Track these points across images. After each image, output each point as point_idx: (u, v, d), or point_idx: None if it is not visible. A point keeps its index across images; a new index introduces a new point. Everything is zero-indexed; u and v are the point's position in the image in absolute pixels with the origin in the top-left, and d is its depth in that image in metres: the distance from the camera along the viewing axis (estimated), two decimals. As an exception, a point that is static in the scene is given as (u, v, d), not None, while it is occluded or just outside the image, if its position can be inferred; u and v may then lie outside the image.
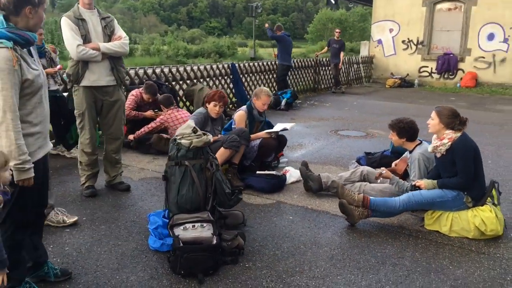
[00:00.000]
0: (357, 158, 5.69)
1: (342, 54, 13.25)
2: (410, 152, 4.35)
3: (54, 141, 5.79)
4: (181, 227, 3.25)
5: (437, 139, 3.83)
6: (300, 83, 12.87)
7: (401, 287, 2.99)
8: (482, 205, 3.78)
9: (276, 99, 10.02)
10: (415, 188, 3.94)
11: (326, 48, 13.97)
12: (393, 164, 4.64)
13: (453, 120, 3.72)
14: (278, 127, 5.30)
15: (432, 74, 15.96)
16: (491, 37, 14.91)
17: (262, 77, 11.03)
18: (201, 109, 4.90)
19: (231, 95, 9.89)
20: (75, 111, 4.33)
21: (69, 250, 3.37)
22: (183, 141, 3.42)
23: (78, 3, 4.20)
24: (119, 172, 4.69)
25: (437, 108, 3.85)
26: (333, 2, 18.05)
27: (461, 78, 15.35)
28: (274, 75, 11.33)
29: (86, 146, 4.36)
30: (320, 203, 4.47)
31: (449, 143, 3.69)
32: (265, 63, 11.19)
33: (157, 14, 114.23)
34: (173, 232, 3.22)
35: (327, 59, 13.91)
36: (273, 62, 11.35)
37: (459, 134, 3.71)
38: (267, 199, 4.57)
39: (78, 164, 4.51)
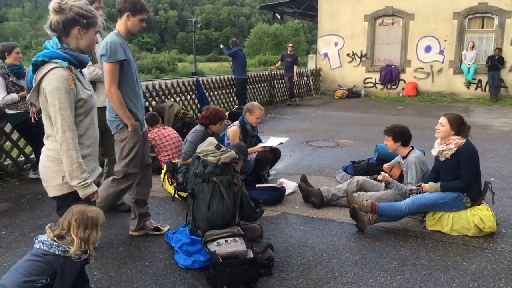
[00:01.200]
0: (343, 167, 5.94)
1: (295, 67, 13.69)
2: (404, 157, 4.66)
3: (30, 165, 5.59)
4: (215, 243, 3.29)
5: (441, 144, 4.13)
6: (257, 96, 13.11)
7: (429, 285, 3.21)
8: (479, 205, 4.13)
9: (240, 113, 10.15)
10: (419, 192, 4.22)
11: (279, 62, 14.36)
12: (384, 167, 4.89)
13: (462, 127, 4.04)
14: (272, 141, 5.45)
15: (376, 85, 16.84)
16: (428, 49, 16.01)
17: (224, 91, 11.16)
18: (198, 127, 4.93)
19: (196, 111, 9.92)
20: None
21: (98, 274, 3.29)
22: (209, 158, 3.47)
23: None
24: (120, 193, 4.59)
25: (447, 116, 4.14)
26: (279, 17, 18.59)
27: (403, 88, 16.32)
28: (235, 89, 11.48)
29: (90, 168, 4.25)
30: (323, 212, 4.65)
31: (455, 148, 4.00)
32: (226, 78, 11.31)
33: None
34: (208, 248, 3.25)
35: (281, 73, 14.29)
36: (233, 77, 11.51)
37: (464, 140, 4.03)
38: (272, 211, 4.67)
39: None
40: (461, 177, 4.05)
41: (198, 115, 9.86)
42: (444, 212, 4.14)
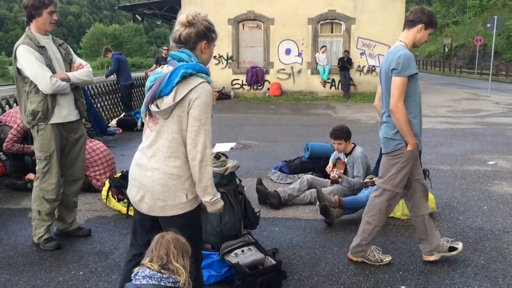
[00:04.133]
0: (276, 167, 6.18)
1: (171, 71, 13.47)
2: (348, 154, 5.09)
3: None
4: (232, 254, 3.25)
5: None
6: (138, 101, 12.61)
7: (429, 265, 3.61)
8: (421, 190, 4.75)
9: (131, 120, 9.73)
10: (372, 184, 4.67)
11: (154, 65, 13.99)
12: (327, 168, 5.28)
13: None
14: (221, 147, 5.40)
15: (244, 86, 17.52)
16: (288, 51, 17.24)
17: (109, 97, 10.51)
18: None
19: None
20: (38, 154, 3.67)
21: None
22: (215, 168, 3.37)
23: (30, 28, 3.59)
24: (76, 217, 4.13)
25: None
26: (140, 19, 18.03)
27: (268, 88, 17.29)
28: (120, 95, 10.90)
29: (50, 192, 3.73)
30: (284, 212, 4.82)
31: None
32: (110, 84, 10.64)
33: None
34: (229, 261, 3.19)
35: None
36: (116, 83, 10.90)
37: None
38: (236, 217, 4.67)
39: (34, 215, 3.82)
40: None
41: (87, 124, 9.13)
42: (395, 199, 4.66)
